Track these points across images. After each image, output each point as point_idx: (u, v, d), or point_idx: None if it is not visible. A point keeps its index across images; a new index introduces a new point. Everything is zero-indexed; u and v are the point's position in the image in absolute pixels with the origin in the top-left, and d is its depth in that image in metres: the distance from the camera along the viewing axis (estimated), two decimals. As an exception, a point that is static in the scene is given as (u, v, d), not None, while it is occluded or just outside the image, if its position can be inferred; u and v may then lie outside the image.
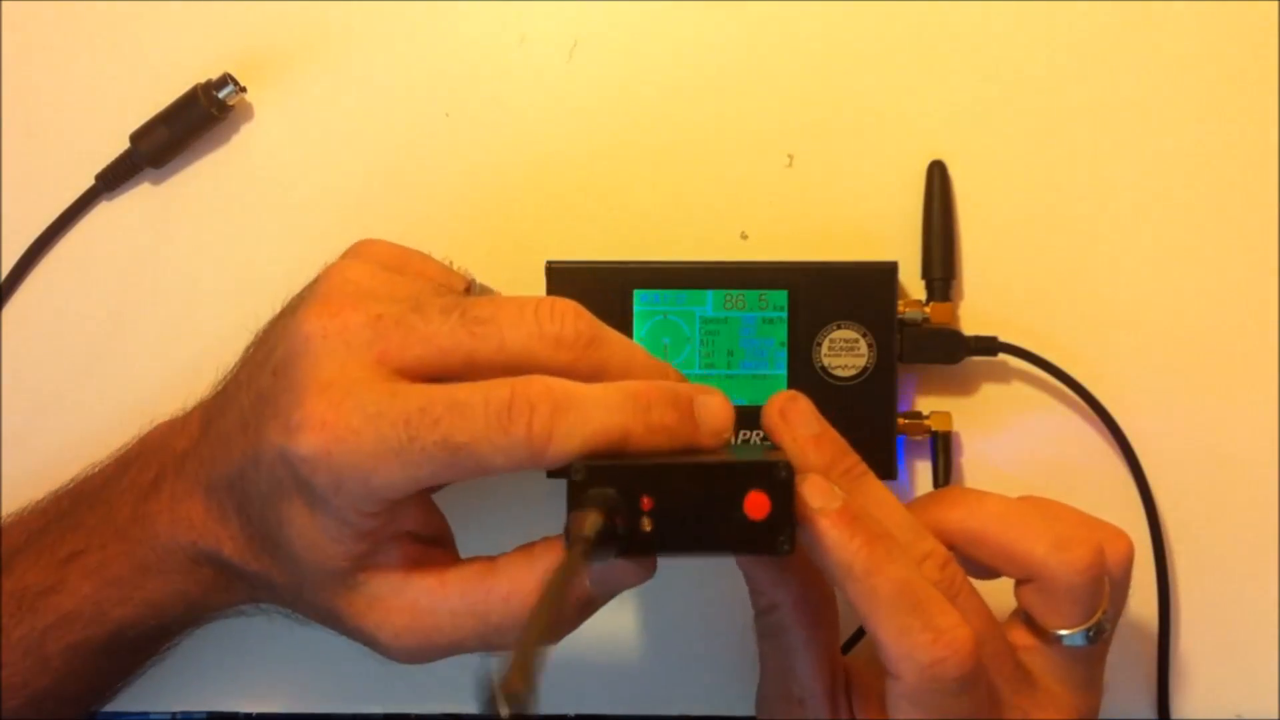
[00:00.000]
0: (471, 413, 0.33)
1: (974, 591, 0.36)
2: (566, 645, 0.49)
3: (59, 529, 0.41)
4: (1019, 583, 0.38)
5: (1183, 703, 0.48)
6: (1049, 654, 0.37)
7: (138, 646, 0.42)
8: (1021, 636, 0.38)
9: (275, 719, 0.50)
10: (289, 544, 0.36)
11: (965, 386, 0.48)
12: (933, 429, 0.46)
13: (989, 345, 0.46)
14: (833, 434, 0.37)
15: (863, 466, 0.37)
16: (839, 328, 0.45)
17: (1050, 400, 0.47)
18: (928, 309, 0.46)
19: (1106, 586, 0.37)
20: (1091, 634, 0.37)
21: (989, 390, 0.48)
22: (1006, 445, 0.48)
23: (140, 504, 0.40)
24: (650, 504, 0.32)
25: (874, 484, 0.37)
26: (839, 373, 0.45)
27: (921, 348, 0.46)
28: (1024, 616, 0.38)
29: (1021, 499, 0.39)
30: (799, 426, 0.37)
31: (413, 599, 0.36)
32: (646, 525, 0.32)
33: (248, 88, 0.47)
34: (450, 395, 0.33)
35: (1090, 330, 0.47)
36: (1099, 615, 0.37)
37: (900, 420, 0.46)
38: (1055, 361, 0.46)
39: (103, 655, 0.41)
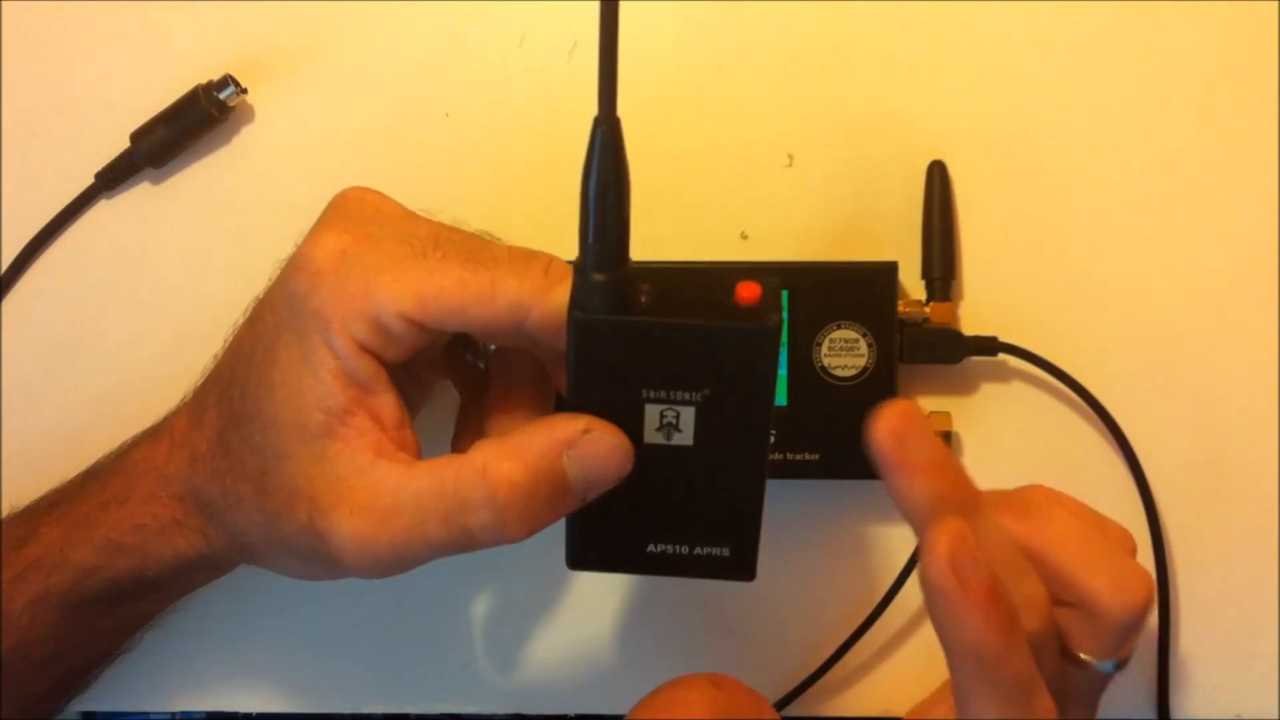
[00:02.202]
0: (496, 247, 0.36)
1: (1055, 636, 0.35)
2: (566, 645, 0.49)
3: (50, 494, 0.42)
4: (1059, 601, 0.36)
5: (1183, 703, 0.48)
6: (1073, 675, 0.36)
7: (98, 604, 0.41)
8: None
9: (275, 719, 0.50)
10: (270, 406, 0.36)
11: (965, 386, 0.48)
12: (933, 429, 0.46)
13: (989, 345, 0.46)
14: (950, 460, 0.33)
15: (978, 497, 0.34)
16: (839, 328, 0.45)
17: (1050, 400, 0.47)
18: (928, 309, 0.46)
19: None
20: (1121, 664, 0.36)
21: (989, 390, 0.48)
22: (1006, 445, 0.48)
23: (125, 451, 0.41)
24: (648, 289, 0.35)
25: (986, 516, 0.34)
26: (839, 373, 0.45)
27: (921, 348, 0.46)
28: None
29: (1085, 521, 0.37)
30: (913, 449, 0.33)
31: (377, 479, 0.35)
32: (644, 297, 0.34)
33: (249, 89, 0.47)
34: (477, 234, 0.37)
35: (1090, 330, 0.47)
36: (1132, 647, 0.36)
37: (900, 420, 0.46)
38: (1055, 361, 0.46)
39: (64, 609, 0.40)
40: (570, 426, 0.35)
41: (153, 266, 0.49)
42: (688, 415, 0.35)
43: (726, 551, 0.37)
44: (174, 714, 0.51)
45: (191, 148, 0.48)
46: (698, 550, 0.37)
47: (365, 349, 0.36)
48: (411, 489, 0.35)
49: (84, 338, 0.49)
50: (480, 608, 0.49)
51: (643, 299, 0.34)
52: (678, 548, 0.37)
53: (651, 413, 0.35)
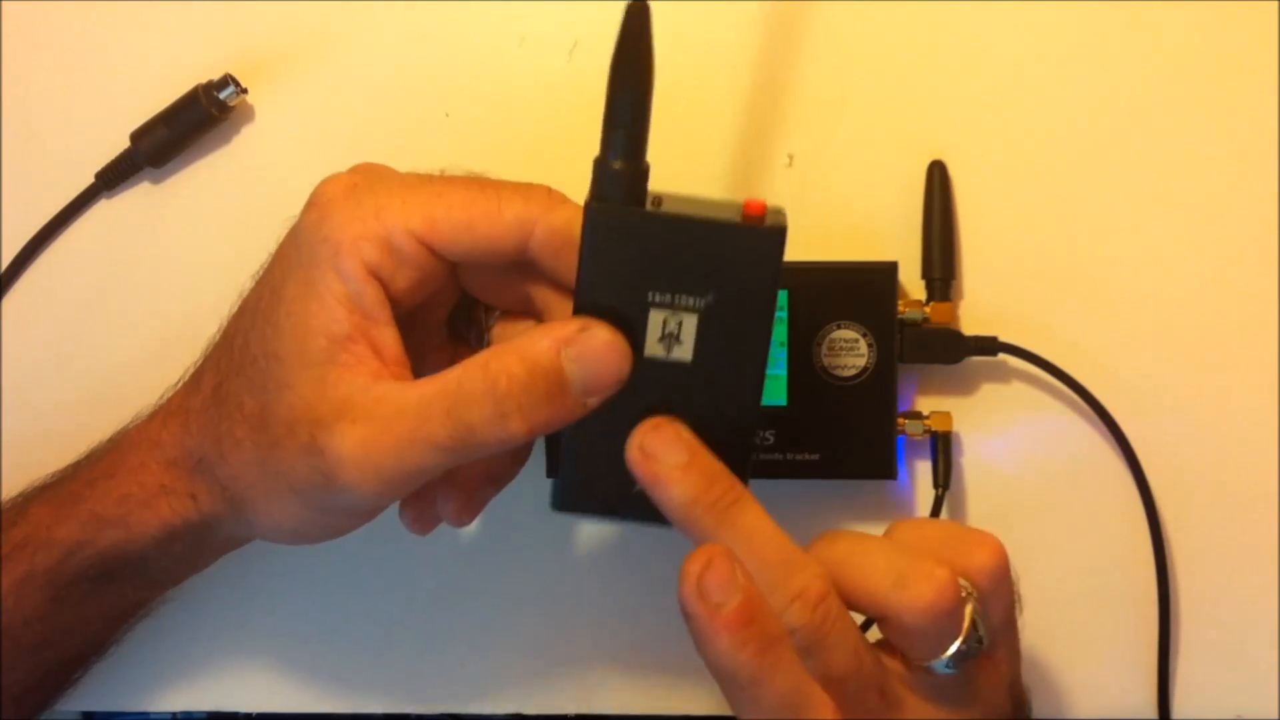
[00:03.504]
0: (497, 179, 0.38)
1: (846, 627, 0.35)
2: (566, 645, 0.49)
3: (43, 478, 0.43)
4: (880, 619, 0.36)
5: (1183, 703, 0.48)
6: (920, 679, 0.36)
7: (83, 584, 0.41)
8: (892, 662, 0.36)
9: (275, 719, 0.50)
10: (274, 342, 0.37)
11: (965, 386, 0.48)
12: (933, 429, 0.46)
13: (989, 345, 0.46)
14: (702, 460, 0.35)
15: (735, 492, 0.35)
16: (839, 328, 0.45)
17: (1050, 400, 0.47)
18: (928, 309, 0.46)
19: (963, 613, 0.35)
20: (954, 660, 0.35)
21: (989, 390, 0.48)
22: (1006, 445, 0.48)
23: (120, 432, 0.42)
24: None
25: (747, 513, 0.35)
26: (839, 373, 0.45)
27: (921, 348, 0.46)
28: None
29: (887, 533, 0.38)
30: (663, 458, 0.35)
31: (380, 393, 0.36)
32: (657, 204, 0.36)
33: (249, 89, 0.47)
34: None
35: (1090, 330, 0.47)
36: (958, 642, 0.35)
37: (900, 420, 0.46)
38: (1055, 361, 0.46)
39: (49, 589, 0.40)
40: (567, 325, 0.36)
41: (153, 266, 0.49)
42: (690, 325, 0.36)
43: None
44: (174, 714, 0.51)
45: (191, 147, 0.48)
46: None
47: (374, 274, 0.36)
48: (414, 394, 0.35)
49: (84, 338, 0.49)
50: (480, 608, 0.49)
51: (654, 201, 0.36)
52: None
53: (655, 320, 0.36)
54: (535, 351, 0.35)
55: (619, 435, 0.37)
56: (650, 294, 0.36)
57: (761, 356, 0.36)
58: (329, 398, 0.36)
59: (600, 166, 0.35)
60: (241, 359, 0.38)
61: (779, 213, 0.36)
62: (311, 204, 0.38)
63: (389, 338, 0.37)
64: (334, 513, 0.38)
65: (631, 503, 0.37)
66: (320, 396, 0.36)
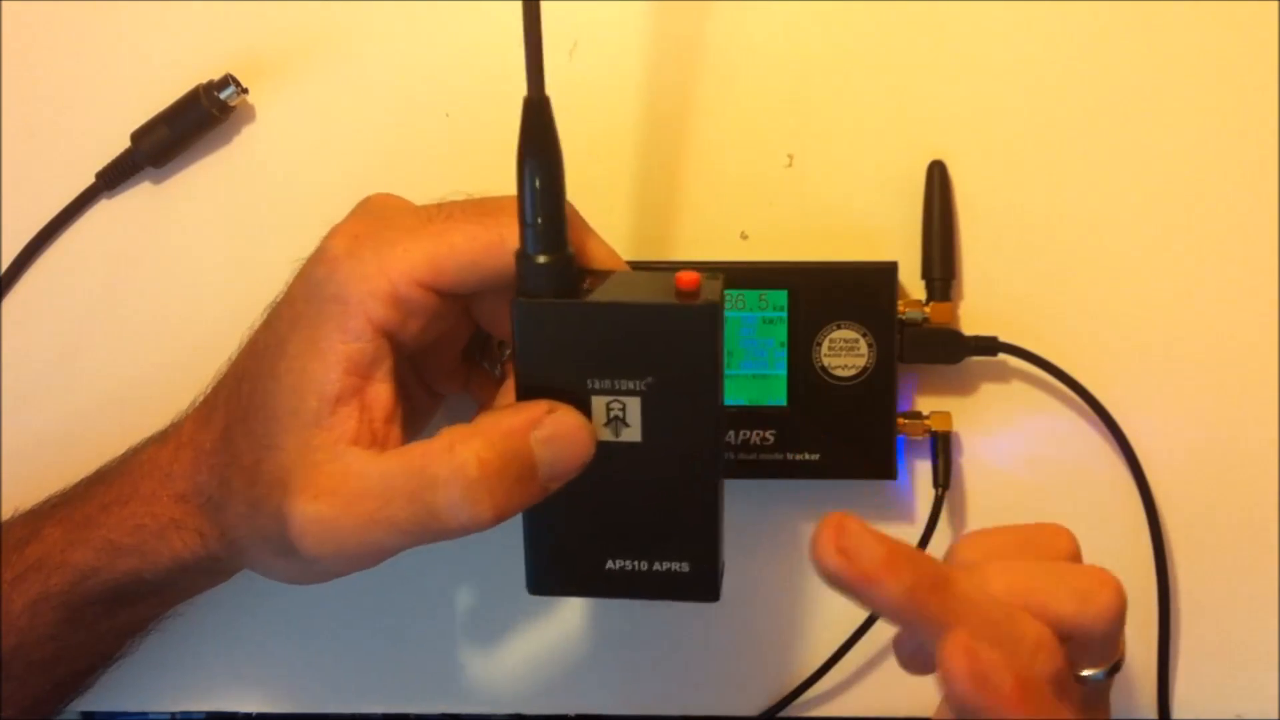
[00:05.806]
0: (501, 198, 0.37)
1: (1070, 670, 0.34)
2: (566, 645, 0.49)
3: (54, 495, 0.43)
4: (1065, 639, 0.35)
5: (1183, 703, 0.48)
6: (1080, 696, 0.35)
7: (97, 606, 0.41)
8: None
9: (275, 719, 0.50)
10: (273, 398, 0.36)
11: (965, 386, 0.48)
12: (933, 429, 0.46)
13: (989, 345, 0.46)
14: (898, 546, 0.32)
15: (937, 564, 0.32)
16: (839, 328, 0.45)
17: (1050, 400, 0.47)
18: (928, 309, 0.46)
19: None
20: (1118, 665, 0.35)
21: (989, 390, 0.48)
22: (1006, 445, 0.48)
23: (131, 453, 0.42)
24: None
25: (960, 583, 0.32)
26: (839, 373, 0.45)
27: (921, 348, 0.46)
28: None
29: (1016, 555, 0.36)
30: (865, 558, 0.31)
31: (347, 464, 0.35)
32: (587, 285, 0.36)
33: (249, 89, 0.47)
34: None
35: (1090, 330, 0.47)
36: (1121, 649, 0.35)
37: (900, 420, 0.46)
38: (1055, 361, 0.46)
39: (64, 610, 0.40)
40: (535, 408, 0.35)
41: (153, 266, 0.49)
42: (634, 407, 0.35)
43: (686, 567, 0.37)
44: (174, 714, 0.51)
45: (192, 147, 0.48)
46: (657, 566, 0.37)
47: (381, 329, 0.36)
48: (379, 472, 0.35)
49: (84, 338, 0.49)
50: (480, 608, 0.49)
51: (586, 286, 0.35)
52: (637, 563, 0.37)
53: (598, 405, 0.35)
54: (502, 434, 0.34)
55: (580, 517, 0.36)
56: (589, 381, 0.35)
57: (714, 436, 0.36)
58: (304, 463, 0.35)
59: (524, 261, 0.35)
60: (247, 406, 0.38)
61: (714, 282, 0.35)
62: (319, 259, 0.37)
63: (382, 395, 0.37)
64: (313, 571, 0.38)
65: (606, 579, 0.37)
66: (298, 462, 0.35)
